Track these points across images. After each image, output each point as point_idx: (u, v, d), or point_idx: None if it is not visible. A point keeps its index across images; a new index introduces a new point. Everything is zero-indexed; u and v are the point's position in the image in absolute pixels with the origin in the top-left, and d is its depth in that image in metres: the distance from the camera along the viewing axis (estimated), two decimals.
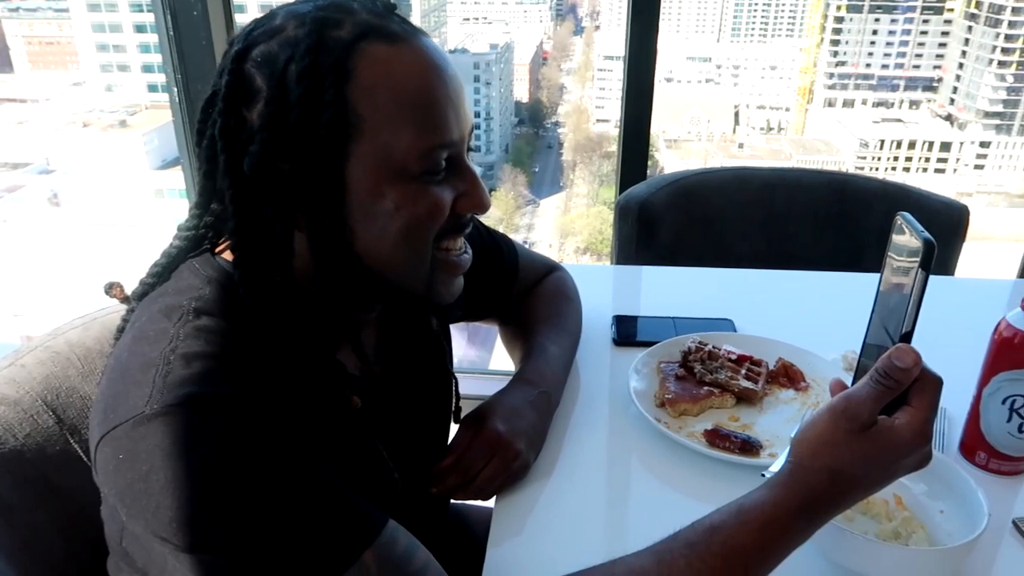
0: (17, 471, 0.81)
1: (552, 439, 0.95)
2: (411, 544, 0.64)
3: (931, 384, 0.61)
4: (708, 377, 1.01)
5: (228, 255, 0.69)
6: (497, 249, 1.04)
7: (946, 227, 1.63)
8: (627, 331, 1.18)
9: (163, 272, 0.71)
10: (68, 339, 0.94)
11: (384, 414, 0.79)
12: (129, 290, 0.74)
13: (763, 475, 0.85)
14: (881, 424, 0.61)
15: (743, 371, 1.02)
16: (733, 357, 1.04)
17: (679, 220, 1.64)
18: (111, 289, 0.76)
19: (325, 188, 0.64)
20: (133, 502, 0.58)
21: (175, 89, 1.92)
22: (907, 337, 0.61)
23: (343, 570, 0.59)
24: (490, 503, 0.90)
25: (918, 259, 0.59)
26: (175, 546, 0.57)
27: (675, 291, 1.37)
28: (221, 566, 0.58)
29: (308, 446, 0.62)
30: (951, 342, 1.21)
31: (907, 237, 0.62)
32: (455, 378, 0.93)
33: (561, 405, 1.01)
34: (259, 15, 0.68)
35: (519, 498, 0.88)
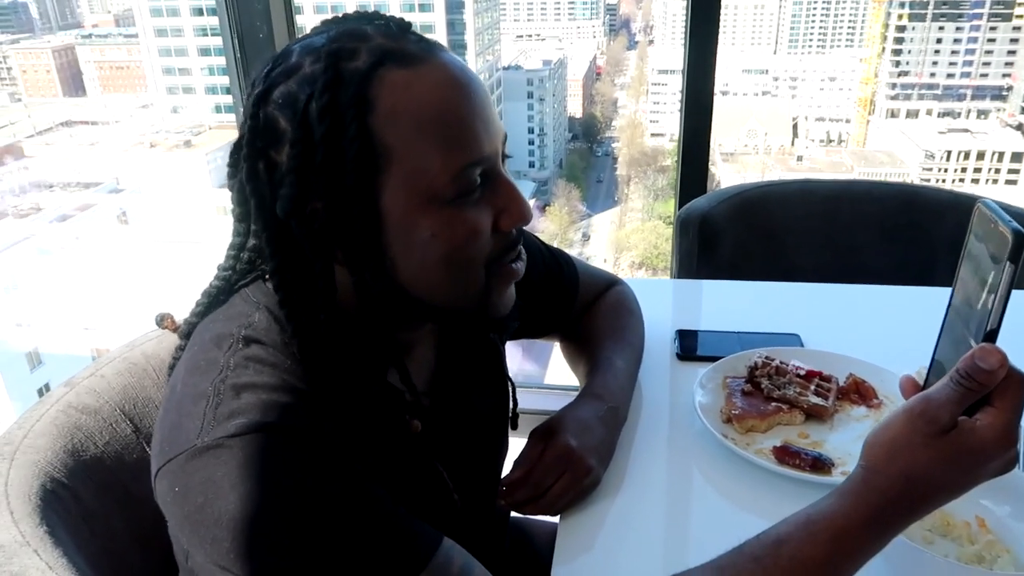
0: (98, 478, 0.84)
1: (617, 454, 0.94)
2: (467, 563, 0.64)
3: (1016, 383, 0.56)
4: (776, 393, 0.99)
5: None
6: (557, 265, 1.03)
7: None
8: (690, 345, 1.16)
9: (206, 311, 0.72)
10: (144, 351, 0.97)
11: (444, 434, 0.79)
12: (180, 318, 0.75)
13: None
14: (962, 426, 0.57)
15: (812, 387, 0.99)
16: (802, 373, 1.01)
17: (741, 233, 1.62)
18: (163, 321, 0.77)
19: (360, 224, 0.63)
20: (192, 532, 0.59)
21: (241, 109, 1.98)
22: (992, 336, 0.57)
23: None
24: (554, 518, 0.89)
25: (1006, 251, 0.54)
26: (235, 575, 0.58)
27: (738, 305, 1.34)
28: None
29: (360, 472, 0.61)
30: None
31: (990, 229, 0.57)
32: (512, 382, 0.92)
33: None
34: (276, 53, 0.67)
35: (585, 514, 0.87)
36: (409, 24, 0.67)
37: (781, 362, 1.03)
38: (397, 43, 0.64)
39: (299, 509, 0.58)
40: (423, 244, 0.65)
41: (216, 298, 0.72)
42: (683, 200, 1.79)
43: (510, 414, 0.93)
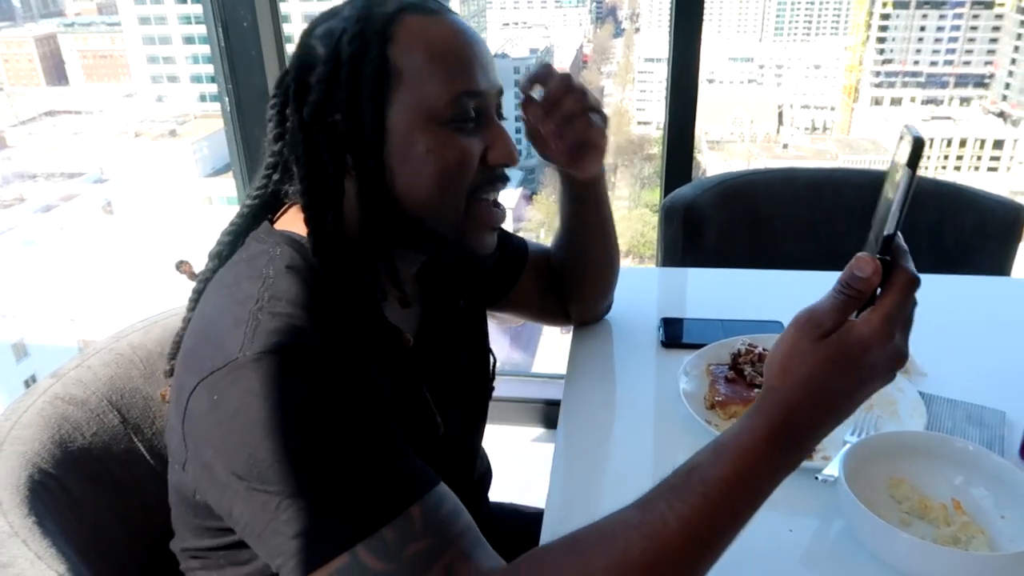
0: (85, 468, 0.84)
1: (601, 440, 0.96)
2: (457, 508, 0.67)
3: (897, 283, 0.59)
4: (759, 379, 1.00)
5: (286, 224, 0.78)
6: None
7: (1001, 226, 1.59)
8: (675, 333, 1.18)
9: (238, 230, 0.80)
10: (131, 341, 0.97)
11: (428, 360, 0.85)
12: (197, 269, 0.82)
13: (816, 478, 0.84)
14: (843, 327, 0.59)
15: None
16: None
17: (725, 221, 1.63)
18: (181, 266, 0.84)
19: (368, 134, 0.73)
20: (221, 440, 0.64)
21: (226, 99, 1.97)
22: (889, 241, 0.58)
23: (390, 519, 0.62)
24: (541, 503, 0.90)
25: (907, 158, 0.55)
26: (247, 484, 0.62)
27: (722, 293, 1.36)
28: (280, 504, 0.62)
29: (378, 399, 0.67)
30: (1010, 343, 1.18)
31: (902, 145, 0.57)
32: (493, 355, 0.99)
33: (609, 406, 1.02)
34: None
35: (570, 502, 0.88)
36: None
37: (764, 349, 1.04)
38: (419, 0, 0.76)
39: (320, 426, 0.63)
40: (418, 159, 0.74)
41: (248, 218, 0.80)
42: (668, 188, 1.80)
43: (489, 385, 0.98)
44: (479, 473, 1.04)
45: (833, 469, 0.84)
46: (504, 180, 0.81)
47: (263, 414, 0.62)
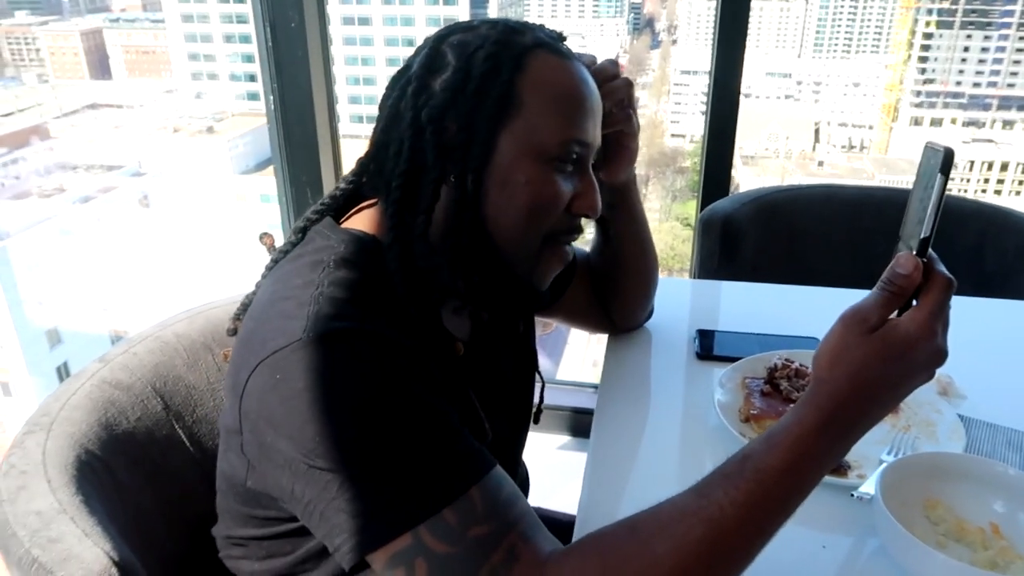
0: (129, 452, 0.87)
1: (633, 449, 0.96)
2: (515, 490, 0.69)
3: (937, 284, 0.62)
4: (794, 395, 1.00)
5: (354, 224, 0.80)
6: None
7: None
8: (710, 345, 1.17)
9: (326, 211, 0.82)
10: (176, 331, 1.00)
11: (476, 369, 0.86)
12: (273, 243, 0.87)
13: (852, 495, 0.84)
14: (888, 323, 0.63)
15: None
16: None
17: (762, 236, 1.63)
18: (264, 237, 0.89)
19: (477, 150, 0.75)
20: (283, 418, 0.65)
21: (271, 97, 2.00)
22: (926, 243, 0.62)
23: (451, 501, 0.63)
24: (565, 508, 0.91)
25: (939, 166, 0.60)
26: (310, 463, 0.63)
27: (757, 307, 1.35)
28: (342, 483, 0.63)
29: (436, 383, 0.69)
30: None
31: (931, 156, 0.62)
32: (541, 377, 0.99)
33: (642, 416, 1.02)
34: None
35: (602, 510, 0.88)
36: (565, 36, 0.84)
37: (801, 364, 1.04)
38: (555, 42, 0.81)
39: (382, 406, 0.65)
40: (515, 187, 0.76)
41: (340, 198, 0.83)
42: (705, 201, 1.80)
43: (534, 409, 0.99)
44: (519, 481, 1.04)
45: (869, 487, 0.83)
46: (579, 231, 0.84)
47: (328, 392, 0.64)
